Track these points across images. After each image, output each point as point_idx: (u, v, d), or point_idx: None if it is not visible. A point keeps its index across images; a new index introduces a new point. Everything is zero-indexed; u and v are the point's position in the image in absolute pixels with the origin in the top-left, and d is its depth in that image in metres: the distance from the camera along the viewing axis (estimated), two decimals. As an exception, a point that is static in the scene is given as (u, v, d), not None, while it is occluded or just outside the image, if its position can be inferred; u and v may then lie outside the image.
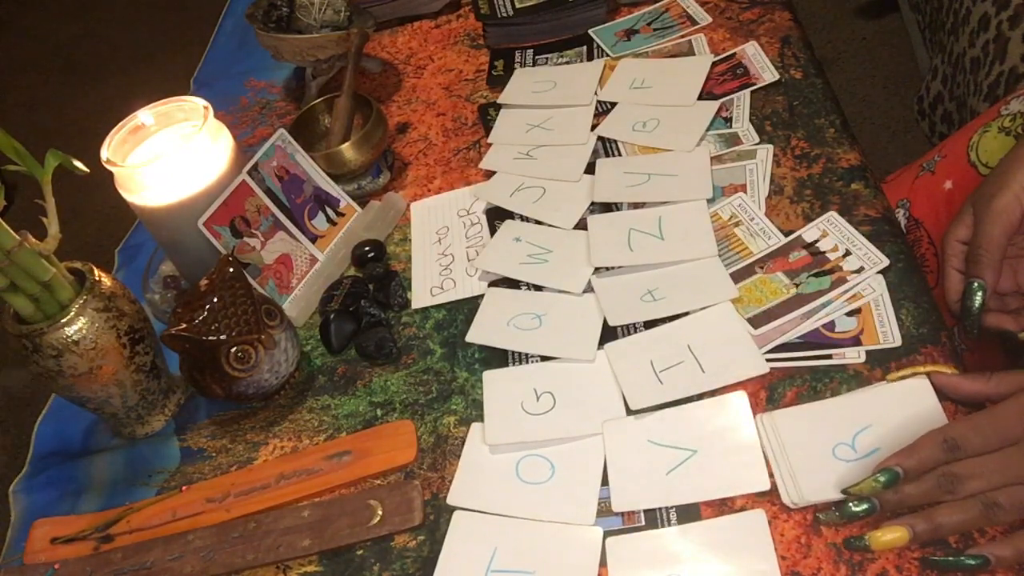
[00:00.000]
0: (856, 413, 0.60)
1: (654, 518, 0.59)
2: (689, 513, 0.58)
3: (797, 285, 0.68)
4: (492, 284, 0.77)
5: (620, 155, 0.85)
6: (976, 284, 0.60)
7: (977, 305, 0.60)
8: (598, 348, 0.69)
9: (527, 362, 0.71)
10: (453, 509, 0.63)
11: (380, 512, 0.63)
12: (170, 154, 0.75)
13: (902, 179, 0.87)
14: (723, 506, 0.58)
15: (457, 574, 0.59)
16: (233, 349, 0.67)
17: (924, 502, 0.53)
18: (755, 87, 0.86)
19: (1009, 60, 1.16)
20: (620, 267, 0.74)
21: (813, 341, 0.65)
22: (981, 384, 0.57)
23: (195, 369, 0.69)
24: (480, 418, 0.68)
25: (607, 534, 0.58)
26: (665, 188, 0.79)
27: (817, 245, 0.71)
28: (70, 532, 0.69)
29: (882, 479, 0.53)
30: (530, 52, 1.02)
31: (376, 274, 0.81)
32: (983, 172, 0.77)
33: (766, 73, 0.87)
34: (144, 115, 0.78)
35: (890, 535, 0.52)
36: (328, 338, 0.76)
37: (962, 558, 0.51)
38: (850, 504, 0.54)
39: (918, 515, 0.53)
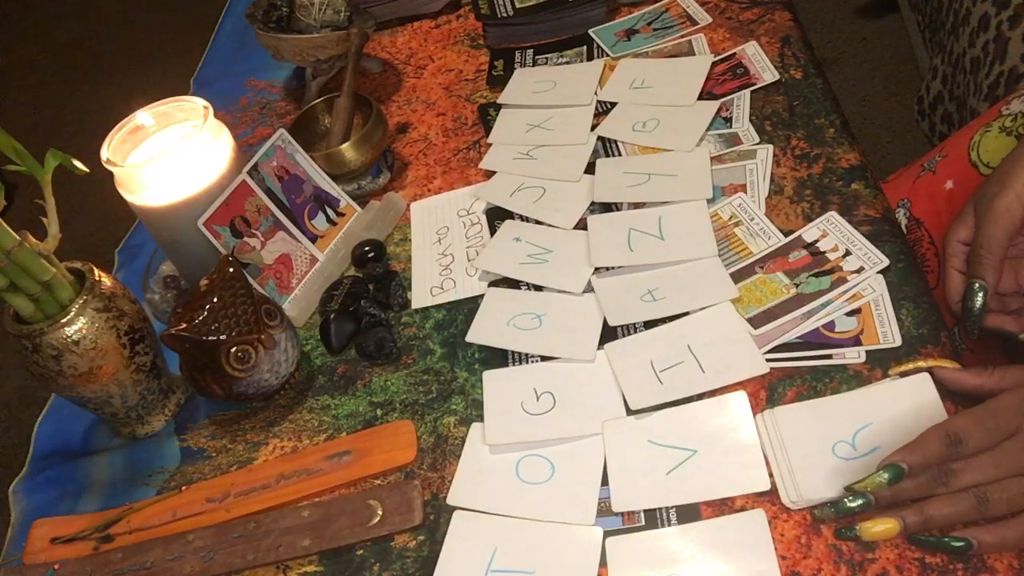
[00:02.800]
0: (857, 411, 0.60)
1: (654, 518, 0.59)
2: (689, 513, 0.58)
3: (797, 285, 0.68)
4: (492, 284, 0.77)
5: (620, 155, 0.85)
6: (977, 285, 0.60)
7: (978, 306, 0.60)
8: (598, 348, 0.69)
9: (527, 362, 0.71)
10: (453, 509, 0.63)
11: (380, 512, 0.63)
12: (170, 154, 0.75)
13: (903, 179, 0.87)
14: (723, 506, 0.58)
15: (457, 574, 0.59)
16: (233, 349, 0.67)
17: (918, 496, 0.53)
18: (755, 87, 0.86)
19: (1009, 60, 1.16)
20: (620, 267, 0.74)
21: (813, 341, 0.65)
22: (983, 378, 0.57)
23: (195, 369, 0.69)
24: (480, 418, 0.68)
25: (607, 534, 0.58)
26: (665, 188, 0.79)
27: (817, 245, 0.71)
28: (70, 532, 0.69)
29: (886, 475, 0.53)
30: (530, 52, 1.02)
31: (376, 274, 0.81)
32: (984, 172, 0.77)
33: (766, 73, 0.87)
34: (144, 115, 0.78)
35: (881, 526, 0.53)
36: (328, 338, 0.76)
37: (946, 539, 0.52)
38: (845, 500, 0.54)
39: (910, 507, 0.53)
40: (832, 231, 0.71)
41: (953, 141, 0.83)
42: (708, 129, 0.83)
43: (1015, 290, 0.64)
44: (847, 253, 0.69)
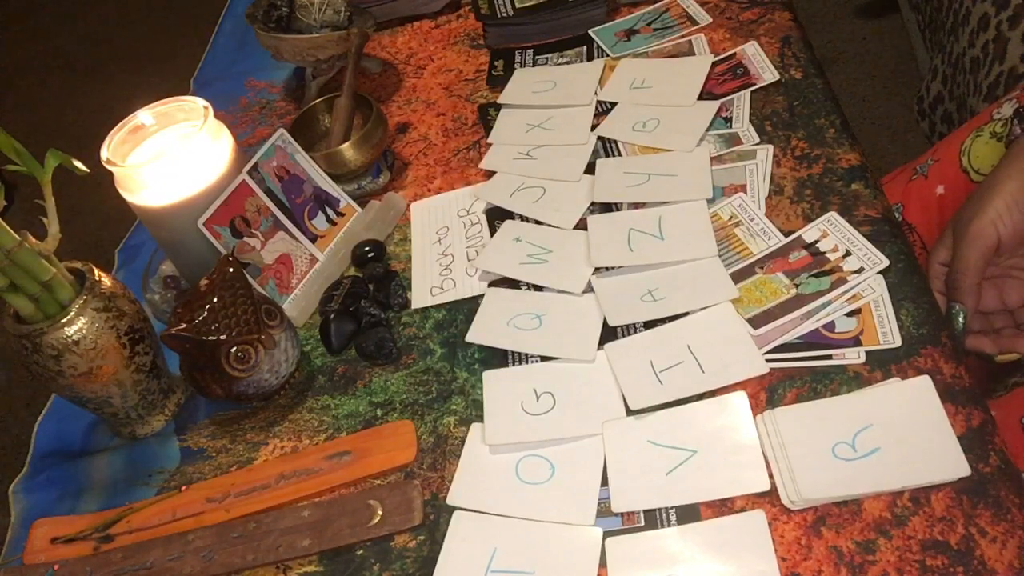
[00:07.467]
0: (857, 412, 0.60)
1: (654, 518, 0.59)
2: (689, 513, 0.58)
3: (797, 285, 0.68)
4: (492, 284, 0.77)
5: (620, 155, 0.85)
6: (956, 308, 0.61)
7: (959, 329, 0.61)
8: (598, 348, 0.69)
9: (527, 362, 0.71)
10: (453, 509, 0.63)
11: (380, 512, 0.63)
12: (170, 154, 0.75)
13: (896, 182, 0.87)
14: (723, 507, 0.58)
15: (457, 574, 0.59)
16: (233, 349, 0.67)
17: None
18: (755, 87, 0.86)
19: (1009, 60, 1.16)
20: (620, 267, 0.74)
21: (813, 342, 0.65)
22: None
23: (195, 369, 0.69)
24: (480, 418, 0.68)
25: (607, 534, 0.58)
26: (665, 188, 0.79)
27: (817, 245, 0.71)
28: (70, 532, 0.69)
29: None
30: (530, 52, 1.01)
31: (376, 274, 0.81)
32: (975, 179, 0.77)
33: (766, 73, 0.87)
34: (144, 115, 0.78)
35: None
36: (328, 338, 0.76)
37: None
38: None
39: None
40: (832, 231, 0.71)
41: (945, 145, 0.83)
42: (708, 129, 0.83)
43: (1000, 307, 0.64)
44: (847, 253, 0.69)
